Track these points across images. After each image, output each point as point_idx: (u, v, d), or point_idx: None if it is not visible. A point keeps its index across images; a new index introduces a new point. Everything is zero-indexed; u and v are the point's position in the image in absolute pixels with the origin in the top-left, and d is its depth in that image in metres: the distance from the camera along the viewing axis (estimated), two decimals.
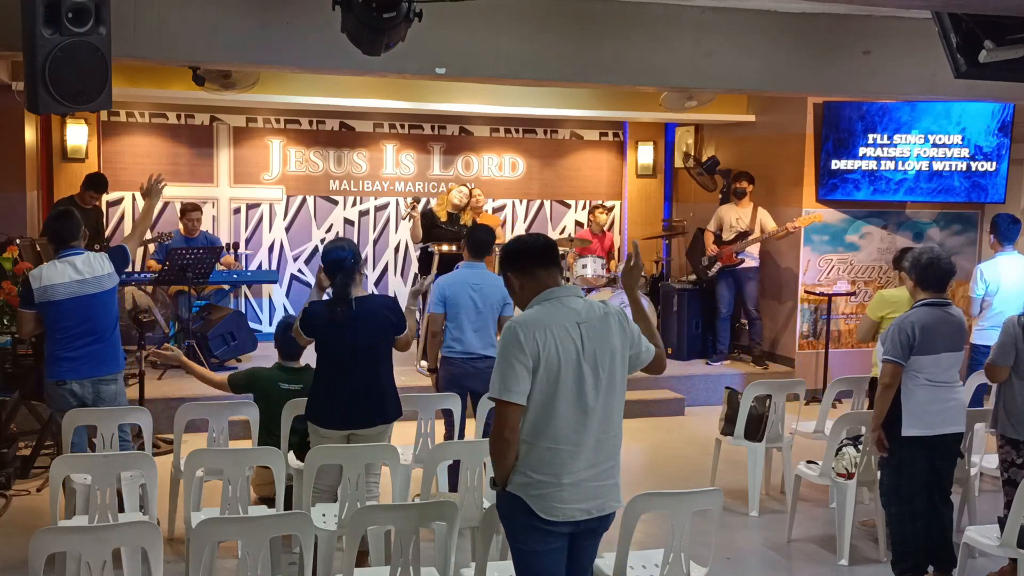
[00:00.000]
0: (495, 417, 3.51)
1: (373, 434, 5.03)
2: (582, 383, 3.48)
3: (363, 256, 5.17)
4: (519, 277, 3.64)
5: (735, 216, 9.57)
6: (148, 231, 5.74)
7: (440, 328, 6.06)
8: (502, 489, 3.55)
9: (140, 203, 10.05)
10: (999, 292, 7.14)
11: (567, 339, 3.47)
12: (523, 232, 4.29)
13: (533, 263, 3.62)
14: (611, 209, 11.45)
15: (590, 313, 3.55)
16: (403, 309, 5.21)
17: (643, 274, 4.01)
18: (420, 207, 9.37)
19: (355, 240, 10.71)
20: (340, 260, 4.94)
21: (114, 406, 5.48)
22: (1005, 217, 7.43)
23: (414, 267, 10.89)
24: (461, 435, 5.88)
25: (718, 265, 9.62)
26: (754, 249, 9.58)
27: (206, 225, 10.08)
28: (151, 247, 9.52)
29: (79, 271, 5.42)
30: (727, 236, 9.61)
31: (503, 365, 3.45)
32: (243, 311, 9.95)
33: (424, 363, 9.16)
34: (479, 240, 6.21)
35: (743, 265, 9.55)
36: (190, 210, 9.39)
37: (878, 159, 9.29)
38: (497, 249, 10.66)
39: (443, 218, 9.20)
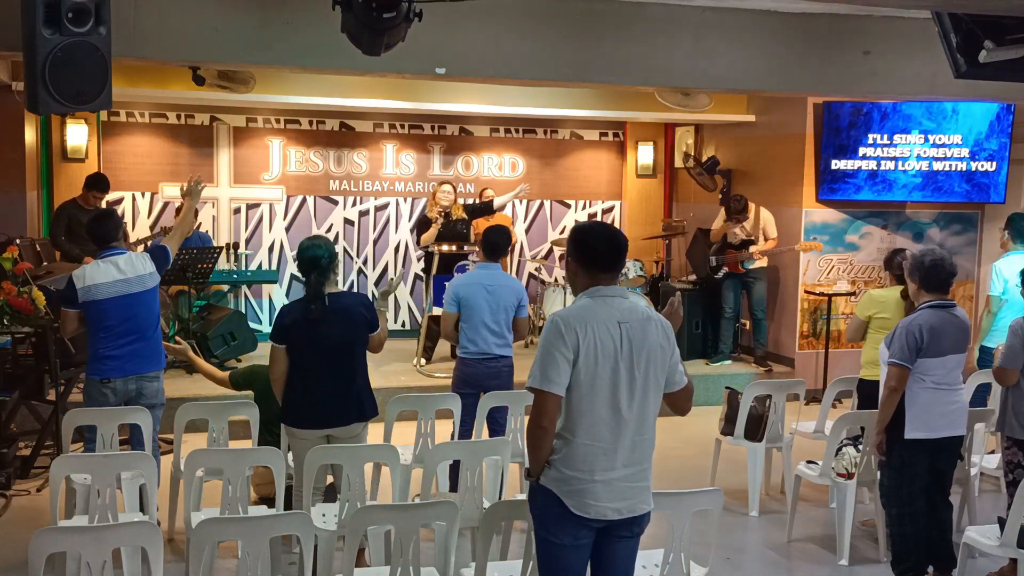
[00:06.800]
0: (533, 407, 3.52)
1: (349, 434, 5.03)
2: (618, 382, 3.49)
3: (338, 255, 5.18)
4: (578, 266, 3.65)
5: (737, 230, 9.48)
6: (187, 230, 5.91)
7: (452, 327, 6.07)
8: (535, 481, 3.58)
9: (140, 203, 10.16)
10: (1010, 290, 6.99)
11: (607, 337, 3.49)
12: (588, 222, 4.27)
13: (596, 263, 3.61)
14: (609, 210, 11.46)
15: (632, 314, 3.56)
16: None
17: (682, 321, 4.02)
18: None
19: (355, 240, 10.74)
20: (315, 258, 4.94)
21: (155, 403, 5.56)
22: (1022, 216, 7.34)
23: (415, 267, 10.90)
24: (468, 435, 5.88)
25: (725, 269, 9.59)
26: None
27: (206, 226, 10.10)
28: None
29: (122, 270, 5.47)
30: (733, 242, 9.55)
31: (544, 356, 3.47)
32: (243, 311, 9.95)
33: (422, 362, 9.18)
34: (493, 242, 6.19)
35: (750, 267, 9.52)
36: None
37: (878, 159, 9.29)
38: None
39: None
